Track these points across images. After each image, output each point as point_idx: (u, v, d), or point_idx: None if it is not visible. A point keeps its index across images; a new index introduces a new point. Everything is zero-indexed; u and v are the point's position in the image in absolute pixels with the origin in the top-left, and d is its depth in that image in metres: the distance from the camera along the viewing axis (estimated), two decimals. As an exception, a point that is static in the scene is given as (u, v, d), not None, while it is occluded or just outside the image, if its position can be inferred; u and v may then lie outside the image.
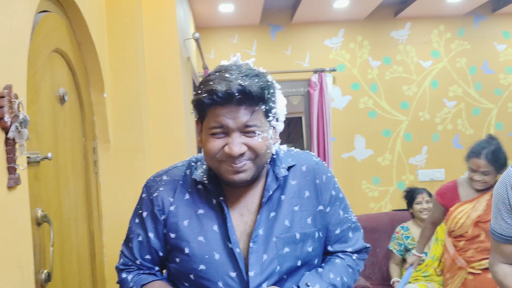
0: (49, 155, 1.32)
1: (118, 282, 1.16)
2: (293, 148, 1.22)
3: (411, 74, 4.43)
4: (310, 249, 1.09)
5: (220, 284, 1.02)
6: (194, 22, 3.96)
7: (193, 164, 1.14)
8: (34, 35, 1.36)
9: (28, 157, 1.20)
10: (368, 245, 1.23)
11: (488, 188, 2.42)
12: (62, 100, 1.65)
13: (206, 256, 1.04)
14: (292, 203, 1.09)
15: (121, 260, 1.15)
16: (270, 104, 1.04)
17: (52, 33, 1.59)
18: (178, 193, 1.09)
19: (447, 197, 2.58)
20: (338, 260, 1.15)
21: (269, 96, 1.03)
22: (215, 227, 1.06)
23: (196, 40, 2.78)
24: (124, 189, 2.15)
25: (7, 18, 1.10)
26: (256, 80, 1.00)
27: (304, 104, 4.47)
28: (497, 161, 2.37)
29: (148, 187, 1.13)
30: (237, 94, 0.97)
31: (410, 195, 3.62)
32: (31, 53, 1.30)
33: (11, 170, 1.03)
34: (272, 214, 1.07)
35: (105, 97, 2.12)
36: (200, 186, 1.10)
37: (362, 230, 1.23)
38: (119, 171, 2.17)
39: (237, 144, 1.00)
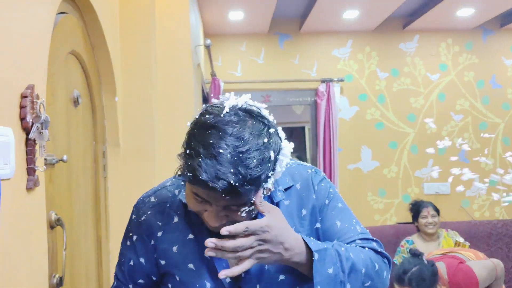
0: (65, 157, 1.31)
1: None
2: (290, 161, 1.07)
3: (419, 86, 4.42)
4: None
5: None
6: (203, 29, 3.97)
7: (182, 183, 1.03)
8: (53, 36, 1.35)
9: (45, 159, 1.18)
10: (386, 254, 1.06)
11: None
12: (76, 102, 1.63)
13: (197, 285, 0.98)
14: None
15: (115, 283, 1.09)
16: (267, 181, 0.87)
17: (69, 35, 1.58)
18: (166, 216, 1.02)
19: None
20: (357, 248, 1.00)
21: (268, 177, 0.87)
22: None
23: (207, 47, 2.78)
24: (132, 194, 2.11)
25: (30, 18, 1.09)
26: (254, 168, 0.82)
27: (310, 113, 4.46)
28: (421, 285, 2.30)
29: (138, 209, 1.06)
30: (224, 195, 0.82)
31: (416, 209, 3.59)
32: (50, 54, 1.29)
33: (31, 171, 1.01)
34: None
35: (116, 101, 2.11)
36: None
37: (377, 242, 1.06)
38: (128, 175, 2.15)
39: (215, 219, 0.89)
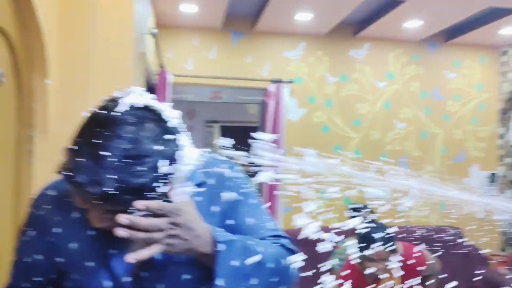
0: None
1: None
2: (206, 154, 1.02)
3: (366, 93, 4.53)
4: None
5: None
6: (155, 18, 3.87)
7: None
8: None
9: None
10: (297, 250, 1.02)
11: None
12: (-3, 80, 1.53)
13: (96, 285, 0.93)
14: None
15: (11, 281, 1.02)
16: (153, 191, 0.80)
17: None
18: (66, 211, 0.95)
19: None
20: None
21: (155, 187, 0.79)
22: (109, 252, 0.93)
23: (154, 35, 2.70)
24: (61, 183, 2.04)
25: None
26: (140, 178, 0.76)
27: (259, 113, 4.46)
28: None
29: (36, 202, 0.99)
30: (100, 201, 0.76)
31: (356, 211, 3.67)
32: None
33: None
34: None
35: (49, 84, 2.01)
36: None
37: (288, 239, 1.03)
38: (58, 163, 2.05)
39: (99, 220, 0.83)
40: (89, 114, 0.82)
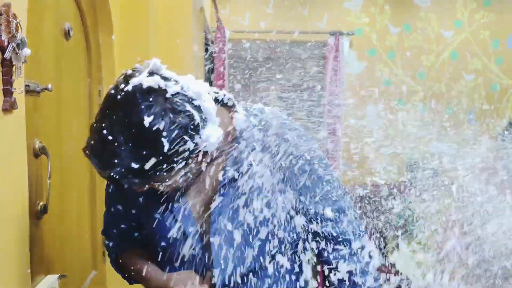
0: (49, 86, 1.29)
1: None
2: (264, 114, 1.01)
3: (431, 43, 4.29)
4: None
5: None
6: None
7: None
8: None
9: (27, 85, 1.16)
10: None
11: None
12: (67, 35, 1.60)
13: (164, 229, 1.00)
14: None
15: (104, 226, 1.16)
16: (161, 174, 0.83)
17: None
18: None
19: None
20: None
21: (162, 171, 0.82)
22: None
23: (211, -11, 2.68)
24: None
25: None
26: (143, 161, 0.78)
27: (318, 67, 4.37)
28: None
29: None
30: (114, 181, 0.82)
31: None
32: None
33: (7, 92, 0.99)
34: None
35: (113, 40, 2.07)
36: None
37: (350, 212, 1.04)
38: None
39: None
40: (109, 90, 0.85)
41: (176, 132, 0.80)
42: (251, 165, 0.95)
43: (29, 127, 1.16)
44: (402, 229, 3.15)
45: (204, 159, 0.88)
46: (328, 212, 1.00)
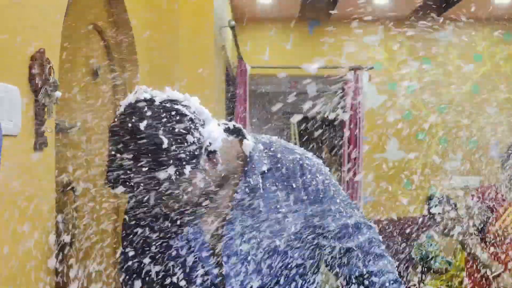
0: (78, 123, 1.35)
1: None
2: (272, 141, 1.06)
3: (451, 76, 4.29)
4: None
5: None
6: (232, 12, 3.97)
7: None
8: (72, 7, 1.38)
9: (57, 124, 1.22)
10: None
11: None
12: (95, 74, 1.67)
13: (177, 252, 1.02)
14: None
15: (120, 263, 1.14)
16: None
17: (89, 8, 1.62)
18: None
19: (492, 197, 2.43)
20: None
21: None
22: None
23: (232, 28, 2.78)
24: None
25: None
26: (137, 177, 0.84)
27: (337, 102, 4.40)
28: None
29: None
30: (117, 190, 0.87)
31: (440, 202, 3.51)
32: (68, 24, 1.33)
33: (39, 132, 1.04)
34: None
35: (139, 79, 2.15)
36: None
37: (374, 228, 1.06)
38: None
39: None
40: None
41: (170, 126, 0.85)
42: (263, 187, 0.98)
43: (59, 164, 1.21)
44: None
45: (215, 159, 0.90)
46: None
